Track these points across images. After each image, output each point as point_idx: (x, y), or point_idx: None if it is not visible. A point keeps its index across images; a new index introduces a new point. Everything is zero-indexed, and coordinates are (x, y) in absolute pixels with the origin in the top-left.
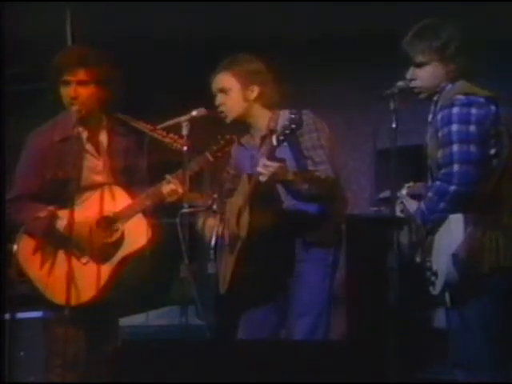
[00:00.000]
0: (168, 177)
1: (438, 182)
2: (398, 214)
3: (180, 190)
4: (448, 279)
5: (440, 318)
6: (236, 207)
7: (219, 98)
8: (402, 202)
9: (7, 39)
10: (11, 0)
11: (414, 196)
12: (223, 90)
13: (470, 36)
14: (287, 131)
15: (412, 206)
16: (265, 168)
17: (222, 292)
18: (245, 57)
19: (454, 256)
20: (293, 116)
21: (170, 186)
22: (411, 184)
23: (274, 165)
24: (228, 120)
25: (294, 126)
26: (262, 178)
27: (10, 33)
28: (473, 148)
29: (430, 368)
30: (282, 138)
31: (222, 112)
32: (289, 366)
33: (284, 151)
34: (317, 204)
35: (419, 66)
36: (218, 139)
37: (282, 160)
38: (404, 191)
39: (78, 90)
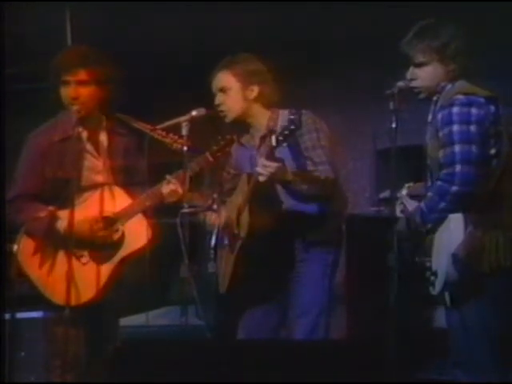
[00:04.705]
0: (168, 177)
1: (439, 182)
2: (398, 213)
3: (180, 191)
4: (448, 279)
5: (440, 318)
6: (236, 207)
7: (219, 98)
8: (402, 202)
9: (7, 39)
10: (11, 0)
11: (413, 196)
12: (223, 90)
13: (469, 36)
14: (286, 132)
15: (412, 206)
16: (264, 168)
17: (221, 292)
18: (245, 56)
19: (454, 256)
20: (292, 117)
21: (170, 187)
22: (411, 184)
23: (273, 165)
24: (228, 120)
25: (293, 126)
26: (261, 178)
27: (10, 33)
28: (474, 148)
29: (430, 368)
30: (281, 138)
31: (221, 112)
32: (289, 365)
33: (284, 151)
34: (317, 204)
35: (419, 65)
36: (217, 139)
37: (281, 160)
38: (404, 191)
39: (78, 90)
